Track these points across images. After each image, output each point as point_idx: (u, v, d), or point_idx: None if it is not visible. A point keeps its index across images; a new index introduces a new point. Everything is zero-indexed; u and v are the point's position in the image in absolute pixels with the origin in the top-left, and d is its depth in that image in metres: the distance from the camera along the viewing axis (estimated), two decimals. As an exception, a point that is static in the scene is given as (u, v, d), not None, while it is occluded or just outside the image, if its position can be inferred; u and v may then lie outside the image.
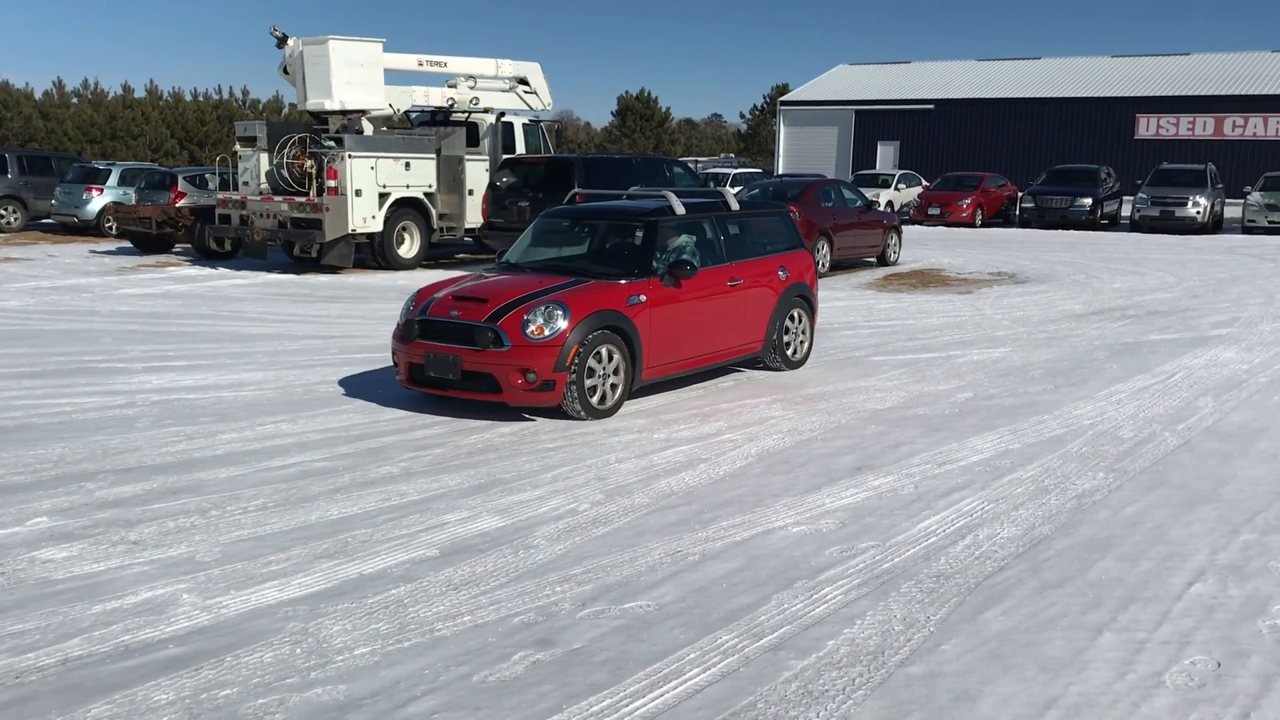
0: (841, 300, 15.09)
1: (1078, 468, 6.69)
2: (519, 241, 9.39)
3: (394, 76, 19.35)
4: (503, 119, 20.38)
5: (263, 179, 18.56)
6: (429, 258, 19.41)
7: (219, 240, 19.68)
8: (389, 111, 19.40)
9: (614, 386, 7.95)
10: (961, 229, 29.16)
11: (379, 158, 17.94)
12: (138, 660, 4.06)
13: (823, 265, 17.92)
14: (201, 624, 4.40)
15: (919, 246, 23.04)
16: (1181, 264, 19.79)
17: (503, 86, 20.86)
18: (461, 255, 21.30)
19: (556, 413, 7.92)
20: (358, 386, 9.07)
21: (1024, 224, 29.97)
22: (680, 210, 8.86)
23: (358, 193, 17.58)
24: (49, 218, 25.66)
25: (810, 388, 9.11)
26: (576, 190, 10.11)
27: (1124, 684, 3.91)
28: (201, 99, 53.22)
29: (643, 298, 8.10)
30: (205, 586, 4.80)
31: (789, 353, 9.72)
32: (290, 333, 11.93)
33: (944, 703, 3.78)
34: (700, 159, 52.82)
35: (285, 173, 18.17)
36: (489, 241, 18.49)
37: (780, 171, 44.82)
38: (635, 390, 8.25)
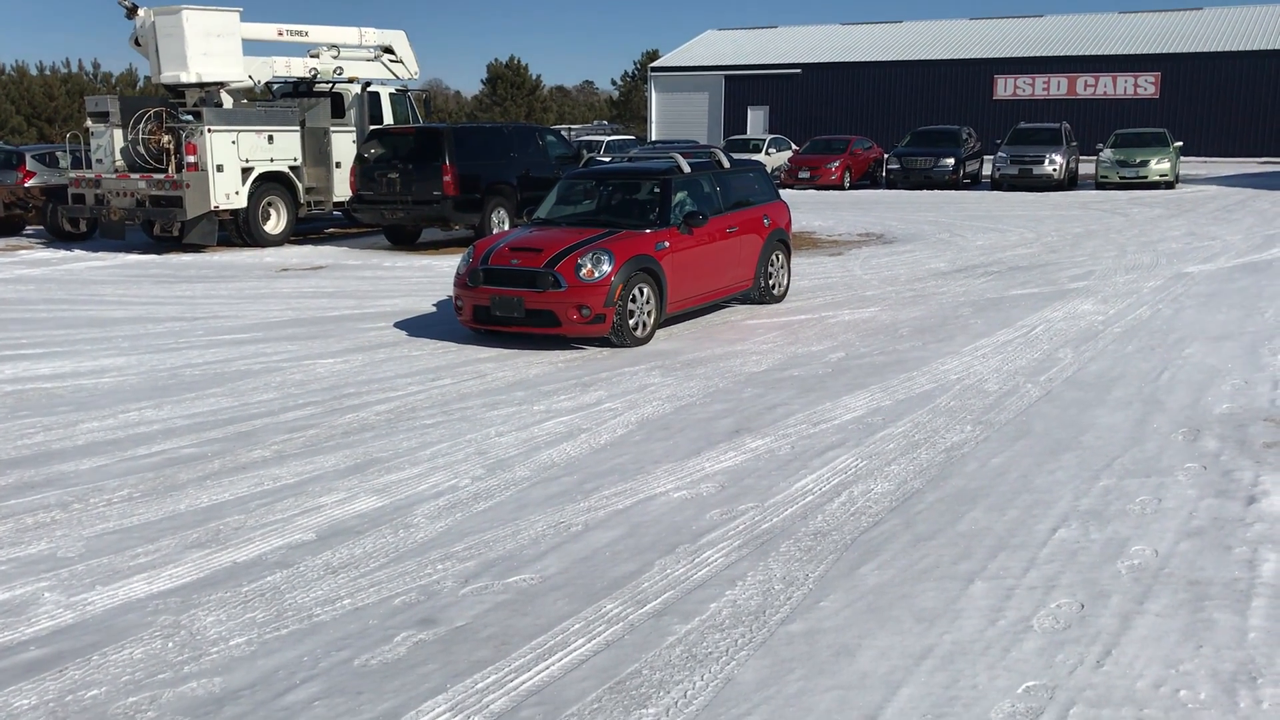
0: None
1: (946, 422, 6.89)
2: (547, 200, 10.97)
3: (253, 47, 18.70)
4: (368, 89, 19.90)
5: (118, 156, 17.79)
6: (296, 233, 18.90)
7: (73, 221, 18.83)
8: (249, 83, 18.76)
9: (647, 318, 9.49)
10: (831, 191, 29.66)
11: (240, 131, 17.36)
12: (-3, 665, 3.88)
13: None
14: (65, 623, 4.23)
15: (791, 210, 23.33)
16: (1040, 220, 20.50)
17: (367, 55, 20.36)
18: (331, 230, 20.79)
19: (598, 342, 9.42)
20: (225, 369, 8.79)
21: (890, 185, 30.63)
22: (686, 169, 10.60)
23: (219, 168, 16.99)
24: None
25: (688, 353, 9.17)
26: (588, 155, 11.84)
27: (995, 630, 4.05)
28: (49, 73, 50.69)
29: (666, 244, 9.69)
30: (68, 583, 4.61)
31: (773, 289, 11.51)
32: (153, 315, 11.50)
33: (825, 658, 3.86)
34: (574, 126, 52.54)
35: (142, 149, 17.47)
36: (358, 215, 18.09)
37: (653, 138, 44.89)
38: (662, 322, 9.80)
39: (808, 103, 45.05)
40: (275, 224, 18.17)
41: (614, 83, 75.49)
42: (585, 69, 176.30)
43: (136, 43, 18.10)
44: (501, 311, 9.32)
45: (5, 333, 10.52)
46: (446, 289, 13.43)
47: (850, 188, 30.72)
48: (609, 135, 40.52)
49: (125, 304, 12.34)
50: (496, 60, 66.68)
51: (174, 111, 17.52)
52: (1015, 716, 3.48)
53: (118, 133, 17.77)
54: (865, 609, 4.26)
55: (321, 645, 4.00)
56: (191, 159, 16.87)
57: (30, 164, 22.99)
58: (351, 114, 19.52)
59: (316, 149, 18.57)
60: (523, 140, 18.89)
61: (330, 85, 19.53)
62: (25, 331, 10.60)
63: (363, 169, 17.68)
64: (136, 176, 17.25)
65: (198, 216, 16.86)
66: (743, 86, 46.40)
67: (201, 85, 17.67)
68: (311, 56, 19.59)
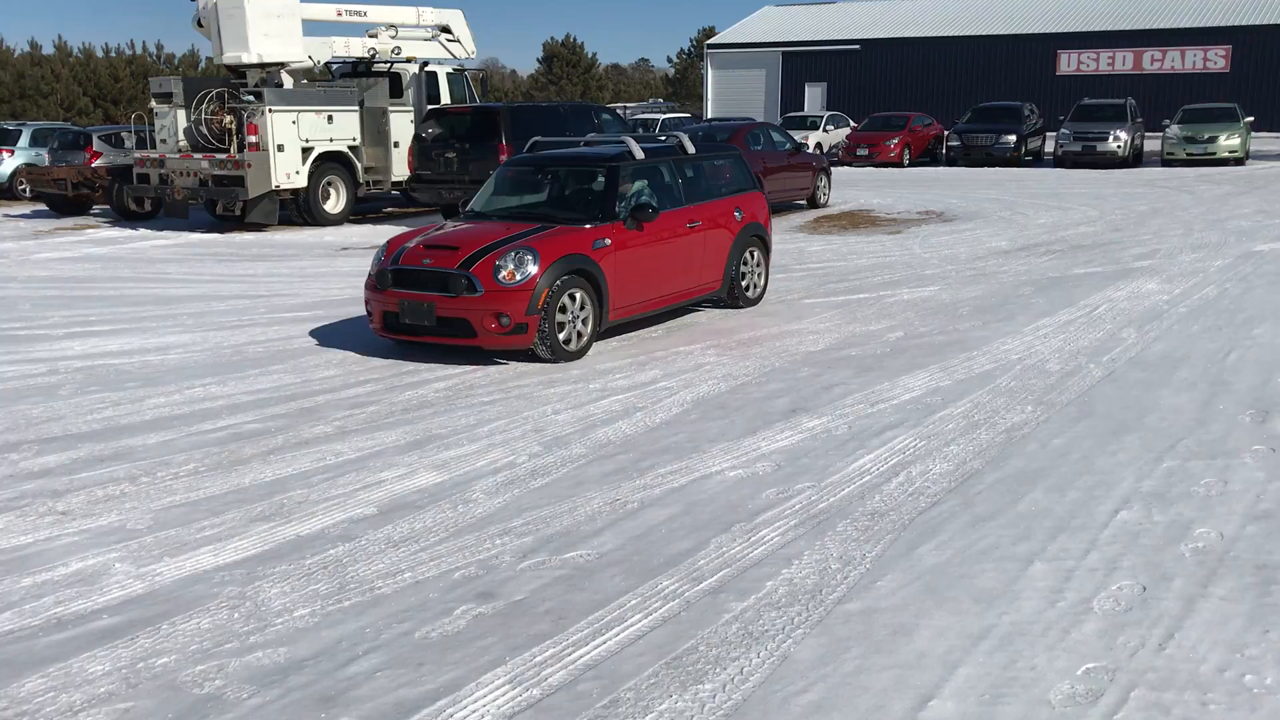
0: (775, 244, 15.12)
1: (1006, 402, 6.81)
2: (482, 190, 9.60)
3: (312, 27, 18.91)
4: (426, 69, 20.02)
5: (181, 136, 18.09)
6: (355, 212, 19.10)
7: (138, 200, 19.20)
8: (309, 64, 18.96)
9: (582, 328, 8.23)
10: (889, 169, 29.35)
11: (300, 111, 17.55)
12: (71, 632, 4.00)
13: (754, 209, 17.94)
14: (136, 593, 4.34)
15: (848, 188, 23.16)
16: (1103, 198, 20.13)
17: (425, 35, 20.47)
18: (389, 209, 21.00)
19: (524, 356, 8.22)
20: (287, 346, 8.93)
21: (950, 162, 30.23)
22: (639, 155, 9.13)
23: (280, 148, 17.21)
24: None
25: (744, 332, 9.15)
26: (536, 138, 10.28)
27: (1054, 612, 4.02)
28: (114, 55, 51.53)
29: (608, 241, 8.38)
30: (138, 555, 4.72)
31: (746, 290, 10.10)
32: (216, 293, 11.70)
33: (881, 637, 3.85)
34: (628, 105, 52.42)
35: (204, 129, 17.74)
36: (416, 194, 18.24)
37: (709, 115, 44.68)
38: (603, 331, 8.56)
39: (866, 79, 44.55)
40: (335, 203, 18.37)
41: (670, 60, 75.24)
42: (641, 47, 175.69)
43: (199, 24, 18.36)
44: (411, 319, 8.08)
45: (75, 310, 10.76)
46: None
47: (909, 165, 30.37)
48: (664, 113, 40.39)
49: (189, 282, 12.57)
50: (553, 39, 66.76)
51: (235, 92, 17.75)
52: (1075, 698, 3.45)
53: (181, 113, 18.07)
54: (923, 589, 4.24)
55: (383, 617, 4.07)
56: (253, 139, 17.09)
57: (97, 144, 23.48)
58: (409, 94, 19.66)
59: (375, 129, 18.73)
60: (578, 118, 18.88)
61: (388, 65, 19.68)
62: (94, 309, 10.84)
63: (420, 148, 17.81)
64: (199, 156, 17.53)
65: (259, 196, 17.11)
66: (800, 63, 45.98)
67: (262, 66, 17.90)
68: (370, 36, 19.74)
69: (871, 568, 4.44)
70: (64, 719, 3.40)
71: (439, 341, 8.16)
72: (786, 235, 16.14)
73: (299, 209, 17.95)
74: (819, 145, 31.67)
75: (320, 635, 3.94)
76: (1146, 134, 30.64)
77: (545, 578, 4.40)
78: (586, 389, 7.41)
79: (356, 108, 18.55)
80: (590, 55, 66.56)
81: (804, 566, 4.45)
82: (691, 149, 9.81)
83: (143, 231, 17.98)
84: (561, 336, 8.04)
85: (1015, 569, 4.40)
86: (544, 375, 7.83)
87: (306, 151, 17.66)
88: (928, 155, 31.67)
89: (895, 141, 30.21)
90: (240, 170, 16.98)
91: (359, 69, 19.83)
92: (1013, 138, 29.08)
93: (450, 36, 20.82)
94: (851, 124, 35.26)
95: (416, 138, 18.14)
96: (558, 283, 7.89)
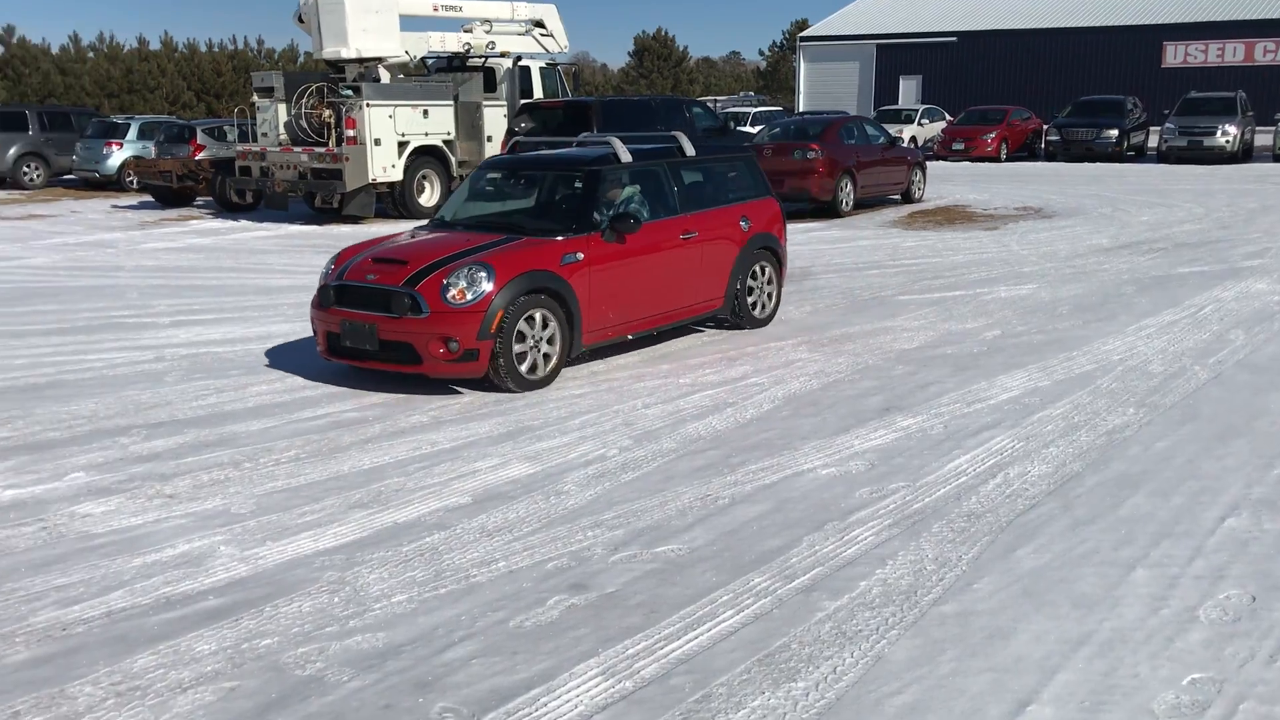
0: (866, 239, 14.98)
1: (1108, 404, 6.65)
2: (455, 196, 8.78)
3: (409, 22, 19.20)
4: (519, 63, 20.20)
5: (281, 130, 18.51)
6: (450, 205, 19.35)
7: (240, 192, 19.70)
8: (405, 59, 19.27)
9: (549, 352, 7.29)
10: (986, 164, 28.82)
11: (397, 106, 17.84)
12: (179, 611, 4.13)
13: (846, 203, 17.77)
14: (240, 575, 4.47)
15: (943, 182, 22.80)
16: (1210, 194, 19.51)
17: (519, 30, 20.66)
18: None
19: (478, 384, 7.32)
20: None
21: (1049, 157, 29.57)
22: (626, 157, 8.09)
23: (377, 142, 17.51)
24: (70, 174, 25.72)
25: (836, 329, 9.07)
26: (515, 139, 9.43)
27: (1158, 619, 3.92)
28: (217, 50, 52.91)
29: (580, 255, 7.39)
30: (242, 538, 4.86)
31: (753, 309, 9.04)
32: (315, 284, 11.93)
33: (977, 641, 3.79)
34: (719, 98, 52.27)
35: (304, 123, 18.12)
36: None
37: (801, 109, 44.33)
38: (575, 356, 7.64)
39: (963, 72, 43.77)
40: (429, 196, 18.64)
41: (761, 53, 74.81)
42: (732, 39, 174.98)
43: (300, 19, 18.77)
44: (352, 341, 7.22)
45: (180, 299, 11.09)
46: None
47: (1006, 160, 29.79)
48: (755, 106, 40.19)
49: (289, 273, 12.87)
50: (644, 32, 66.87)
51: (334, 87, 18.11)
52: (1180, 708, 3.36)
53: (281, 107, 18.49)
54: (1020, 592, 4.16)
55: (478, 605, 4.13)
56: (351, 133, 17.42)
57: (201, 138, 24.13)
58: (503, 88, 19.85)
59: (469, 123, 18.95)
60: (669, 112, 18.88)
61: (483, 60, 19.90)
62: (198, 298, 11.16)
63: (512, 142, 17.96)
64: (299, 150, 17.92)
65: (356, 189, 17.44)
66: (895, 55, 45.37)
67: (361, 61, 18.23)
68: (465, 31, 19.99)
69: (968, 570, 4.37)
70: (173, 695, 3.51)
71: (382, 368, 7.25)
72: (880, 230, 15.95)
73: (394, 202, 18.26)
74: (913, 139, 31.26)
75: (417, 621, 4.01)
76: (1257, 129, 29.60)
77: (637, 571, 4.42)
78: (676, 384, 7.42)
79: (451, 102, 18.79)
80: (681, 48, 66.50)
81: (898, 567, 4.40)
82: (690, 150, 8.69)
83: (244, 223, 18.45)
84: (523, 365, 7.13)
85: (1117, 575, 4.30)
86: (633, 370, 7.86)
87: (402, 145, 17.95)
88: (1025, 150, 31.03)
89: (992, 136, 29.66)
90: (338, 164, 17.32)
91: (454, 64, 20.08)
92: (1115, 132, 28.33)
93: (544, 31, 20.98)
94: (947, 117, 34.69)
95: (509, 132, 18.30)
96: (516, 303, 6.97)
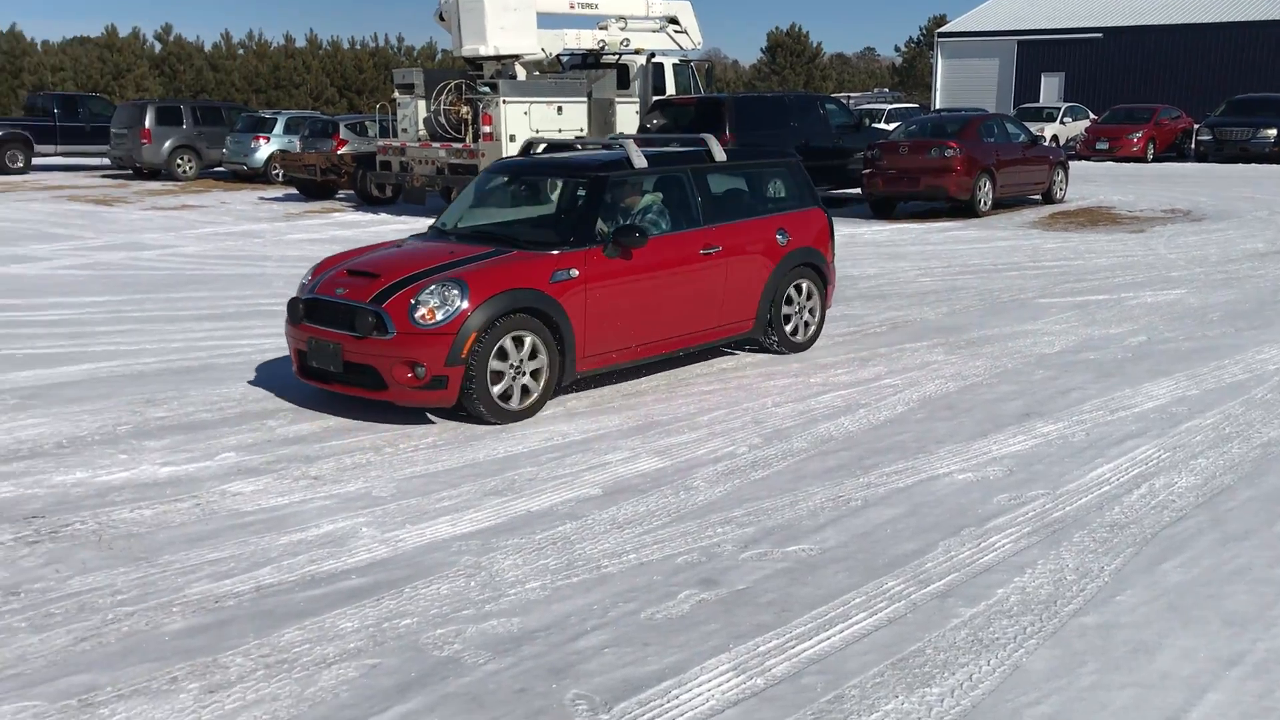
0: (1005, 240, 14.62)
1: (1263, 415, 6.36)
2: (456, 201, 7.99)
3: (546, 20, 19.46)
4: (653, 60, 20.29)
5: (420, 126, 18.97)
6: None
7: (380, 186, 20.25)
8: (541, 56, 19.54)
9: (531, 382, 6.56)
10: (1132, 164, 27.83)
11: (532, 103, 18.11)
12: (324, 589, 4.28)
13: (984, 203, 17.36)
14: (381, 556, 4.60)
15: (1086, 183, 22.09)
16: (1377, 198, 18.46)
17: (653, 26, 20.75)
18: (613, 198, 21.40)
19: (450, 413, 6.59)
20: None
21: (1200, 158, 28.39)
22: (640, 163, 7.30)
23: (512, 138, 17.79)
24: (220, 166, 26.81)
25: (973, 331, 8.88)
26: (528, 139, 8.59)
27: (1317, 642, 3.74)
28: (359, 47, 54.55)
29: (574, 272, 6.64)
30: (382, 520, 5.00)
31: (792, 333, 8.15)
32: (450, 276, 12.21)
33: (1120, 654, 3.68)
34: (852, 95, 51.60)
35: (442, 119, 18.53)
36: (640, 184, 18.53)
37: (937, 106, 43.46)
38: (568, 384, 6.92)
39: (1108, 69, 42.31)
40: (562, 191, 18.86)
41: (897, 49, 73.60)
42: (867, 35, 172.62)
43: (441, 17, 19.20)
44: (318, 361, 6.59)
45: (324, 288, 11.46)
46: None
47: (1154, 160, 28.71)
48: (889, 103, 39.56)
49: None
50: (777, 28, 66.38)
51: (472, 83, 18.47)
52: (1341, 737, 3.20)
53: (421, 104, 18.94)
54: (1166, 607, 4.02)
55: (610, 596, 4.17)
56: (487, 129, 17.76)
57: (343, 133, 24.93)
58: (636, 85, 19.97)
59: (602, 119, 19.12)
60: (804, 109, 18.75)
61: (616, 57, 20.05)
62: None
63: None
64: (437, 145, 18.34)
65: (491, 183, 17.75)
66: (1037, 52, 44.10)
67: (498, 58, 18.55)
68: (600, 29, 20.17)
69: (1110, 581, 4.23)
70: (318, 669, 3.64)
71: (346, 393, 6.61)
72: (1020, 231, 15.55)
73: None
74: (1055, 138, 30.37)
75: (550, 609, 4.07)
76: None
77: (767, 569, 4.41)
78: (807, 383, 7.37)
79: (585, 99, 18.98)
80: (815, 45, 65.86)
81: (1037, 576, 4.29)
82: (720, 155, 7.82)
83: (383, 216, 18.98)
84: (497, 391, 6.38)
85: (1272, 593, 4.12)
86: (764, 368, 7.83)
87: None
88: (1174, 150, 29.87)
89: (1139, 135, 28.64)
90: (475, 159, 17.66)
91: (588, 61, 20.30)
92: (1273, 132, 27.05)
93: (678, 28, 21.03)
94: (1091, 116, 33.60)
95: (641, 128, 18.41)
96: (494, 325, 6.26)
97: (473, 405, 6.34)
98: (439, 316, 6.16)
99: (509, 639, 3.84)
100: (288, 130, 25.84)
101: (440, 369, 6.17)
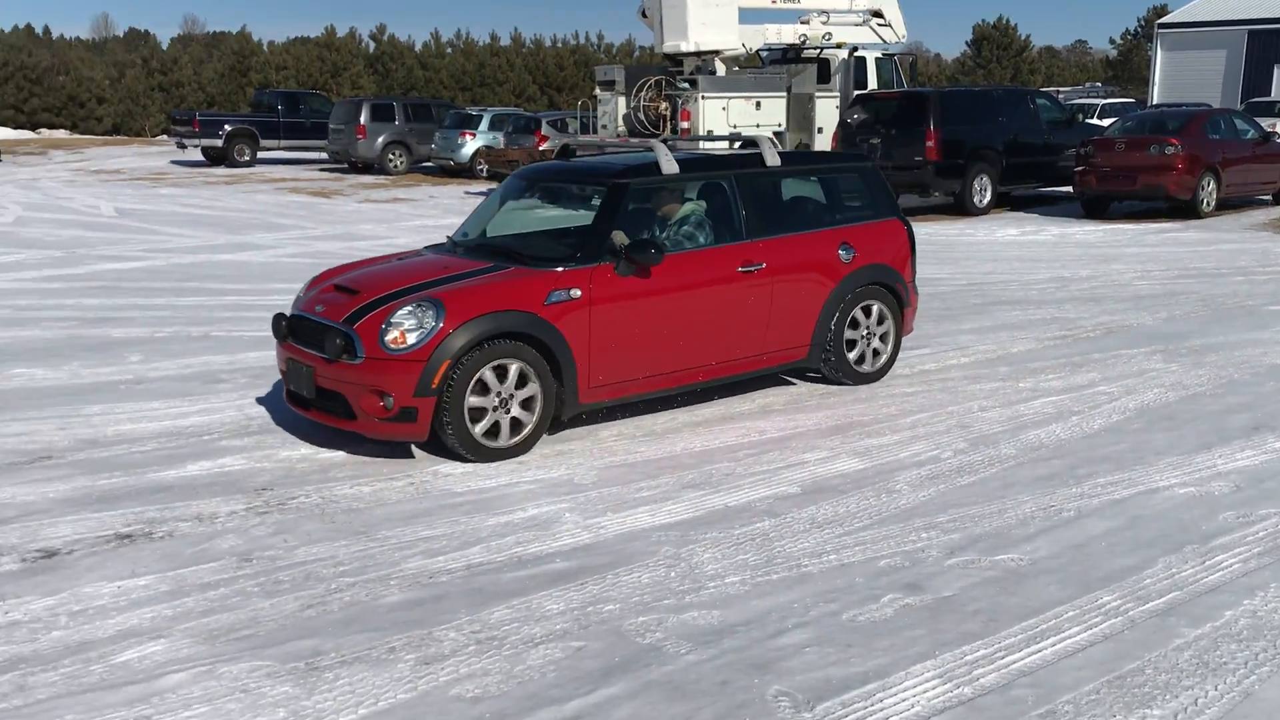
0: (1230, 243, 13.76)
1: None
2: (477, 210, 7.27)
3: (747, 15, 19.42)
4: (855, 54, 19.98)
5: (620, 122, 19.24)
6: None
7: (579, 181, 20.62)
8: (741, 51, 19.53)
9: (521, 415, 5.82)
10: (1374, 163, 25.69)
11: (730, 98, 18.12)
12: (530, 571, 4.40)
13: (1207, 204, 16.38)
14: (584, 542, 4.71)
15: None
16: None
17: (856, 20, 20.44)
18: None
19: (431, 447, 5.91)
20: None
21: None
22: (670, 168, 6.46)
23: (709, 133, 17.85)
24: (429, 161, 27.89)
25: (1195, 339, 8.40)
26: (564, 143, 7.88)
27: None
28: (560, 45, 55.81)
29: (576, 293, 5.89)
30: (585, 507, 5.11)
31: (857, 362, 7.18)
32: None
33: (1367, 691, 3.42)
34: (1061, 89, 49.50)
35: (641, 115, 18.75)
36: (838, 180, 18.31)
37: (1155, 101, 41.25)
38: (570, 418, 6.15)
39: (1350, 60, 39.21)
40: (758, 187, 18.81)
41: (1112, 42, 70.20)
42: (1078, 28, 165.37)
43: (644, 14, 19.43)
44: (294, 385, 6.06)
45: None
46: (920, 258, 13.27)
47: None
48: (1103, 98, 37.80)
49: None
50: (983, 21, 64.26)
51: (672, 79, 18.62)
52: None
53: (621, 100, 19.22)
54: None
55: (810, 595, 4.15)
56: (685, 125, 17.88)
57: (545, 129, 25.52)
58: (836, 79, 19.72)
59: (800, 114, 18.98)
60: (1012, 104, 18.14)
61: (818, 51, 19.84)
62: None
63: (845, 134, 17.84)
64: (635, 141, 18.56)
65: (688, 179, 17.86)
66: (1270, 42, 41.25)
67: (698, 54, 18.64)
68: (802, 23, 19.99)
69: (1354, 611, 3.94)
70: (526, 649, 3.75)
71: (320, 420, 5.97)
72: (1247, 234, 14.62)
73: (724, 192, 18.56)
74: (1286, 135, 28.34)
75: (750, 604, 4.08)
76: None
77: (974, 577, 4.29)
78: (1016, 387, 7.12)
79: (784, 94, 18.88)
80: (1023, 37, 63.48)
81: (1271, 599, 4.03)
82: (774, 159, 6.91)
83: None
84: (480, 427, 5.70)
85: None
86: (968, 370, 7.62)
87: (733, 137, 18.21)
88: None
89: (1383, 131, 26.38)
90: (672, 154, 17.79)
91: (788, 55, 20.16)
92: None
93: (882, 21, 20.65)
94: (1329, 111, 31.16)
95: (841, 124, 18.19)
96: (473, 352, 5.57)
97: (449, 441, 5.66)
98: (410, 340, 5.50)
99: (710, 631, 3.86)
100: (492, 126, 26.66)
101: (409, 400, 5.50)
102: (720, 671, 3.58)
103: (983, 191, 17.33)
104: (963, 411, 6.60)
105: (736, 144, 8.08)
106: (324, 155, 29.96)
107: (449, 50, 54.41)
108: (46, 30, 69.49)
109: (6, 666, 3.65)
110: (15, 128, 40.44)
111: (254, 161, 29.97)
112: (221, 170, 28.67)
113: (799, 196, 7.23)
